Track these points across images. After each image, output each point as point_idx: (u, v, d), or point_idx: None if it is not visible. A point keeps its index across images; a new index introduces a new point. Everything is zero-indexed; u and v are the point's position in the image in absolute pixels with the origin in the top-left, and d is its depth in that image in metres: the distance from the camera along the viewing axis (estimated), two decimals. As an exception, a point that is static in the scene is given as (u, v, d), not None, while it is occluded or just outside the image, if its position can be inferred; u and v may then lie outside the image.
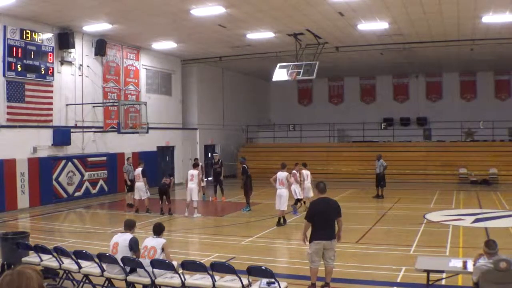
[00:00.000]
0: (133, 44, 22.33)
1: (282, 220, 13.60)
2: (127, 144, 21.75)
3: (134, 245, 7.30)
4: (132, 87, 22.66)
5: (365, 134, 29.88)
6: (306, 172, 16.12)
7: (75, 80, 19.49)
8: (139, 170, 16.25)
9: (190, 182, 15.48)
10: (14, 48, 16.62)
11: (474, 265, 6.22)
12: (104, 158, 20.76)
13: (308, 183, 15.91)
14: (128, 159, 18.48)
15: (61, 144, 18.67)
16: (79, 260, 7.61)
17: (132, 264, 7.14)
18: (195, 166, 16.40)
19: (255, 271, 6.67)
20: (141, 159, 18.41)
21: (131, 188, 17.19)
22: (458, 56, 25.25)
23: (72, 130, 19.05)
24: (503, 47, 21.77)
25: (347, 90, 34.84)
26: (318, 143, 29.28)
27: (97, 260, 7.45)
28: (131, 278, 7.17)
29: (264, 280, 6.56)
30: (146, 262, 6.97)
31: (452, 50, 23.24)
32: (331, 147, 29.04)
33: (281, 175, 14.02)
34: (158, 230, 7.46)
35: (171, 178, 16.81)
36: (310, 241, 7.61)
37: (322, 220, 7.61)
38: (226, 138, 30.38)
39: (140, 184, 16.06)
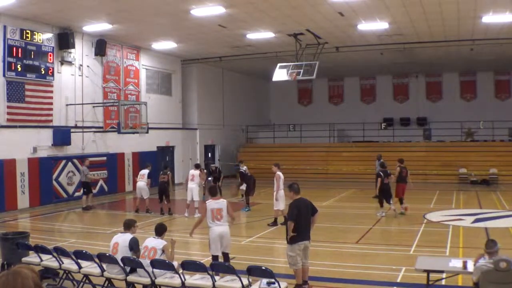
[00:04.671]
0: (133, 44, 22.33)
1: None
2: (127, 144, 21.76)
3: (134, 245, 7.30)
4: (132, 87, 22.67)
5: (365, 134, 29.88)
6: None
7: (75, 80, 19.49)
8: (145, 171, 16.25)
9: (191, 182, 15.48)
10: (14, 48, 16.63)
11: (474, 265, 6.22)
12: (104, 158, 20.76)
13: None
14: (85, 161, 17.69)
15: (61, 144, 18.67)
16: (79, 260, 7.61)
17: (132, 264, 7.14)
18: (196, 167, 16.37)
19: (255, 271, 6.67)
20: (148, 161, 18.03)
21: (86, 191, 17.11)
22: (458, 56, 25.26)
23: (72, 130, 19.05)
24: (503, 47, 21.78)
25: (347, 90, 34.85)
26: (318, 143, 29.28)
27: (97, 260, 7.45)
28: (131, 278, 7.18)
29: (264, 280, 6.56)
30: (146, 262, 6.97)
31: (452, 50, 23.25)
32: (331, 147, 29.04)
33: (282, 175, 13.84)
34: (159, 231, 7.45)
35: (168, 173, 16.18)
36: (292, 243, 7.59)
37: (303, 221, 7.66)
38: (226, 138, 30.38)
39: (142, 184, 16.05)
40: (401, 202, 15.21)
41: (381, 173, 14.92)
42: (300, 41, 20.38)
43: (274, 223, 13.55)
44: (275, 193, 13.55)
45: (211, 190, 8.75)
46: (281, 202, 13.48)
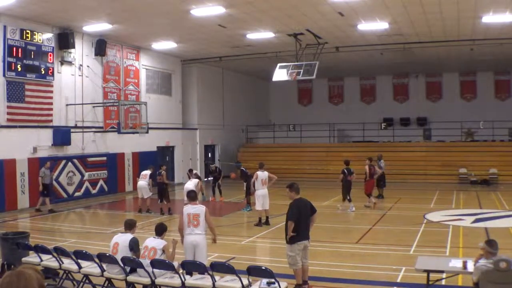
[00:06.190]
0: (133, 44, 22.33)
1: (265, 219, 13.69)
2: (127, 144, 21.76)
3: (134, 245, 7.30)
4: (132, 87, 22.67)
5: (365, 134, 29.89)
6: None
7: (75, 80, 19.49)
8: (147, 172, 16.26)
9: (189, 182, 15.54)
10: (14, 48, 16.63)
11: (474, 265, 6.22)
12: (104, 158, 20.76)
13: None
14: (46, 163, 16.90)
15: (61, 144, 18.67)
16: (79, 260, 7.61)
17: (132, 264, 7.14)
18: (197, 177, 16.59)
19: (255, 271, 6.67)
20: (150, 163, 18.01)
21: (47, 194, 16.43)
22: (458, 56, 25.26)
23: (72, 130, 19.05)
24: (503, 47, 21.77)
25: (347, 90, 34.85)
26: (318, 143, 29.27)
27: (97, 260, 7.45)
28: (131, 278, 7.17)
29: (264, 280, 6.56)
30: (146, 262, 6.97)
31: (452, 50, 23.24)
32: (331, 147, 29.03)
33: (264, 174, 13.96)
34: (159, 231, 7.45)
35: (163, 173, 15.93)
36: (292, 243, 7.59)
37: (303, 220, 7.67)
38: (226, 138, 30.38)
39: (143, 183, 16.06)
40: (369, 197, 16.71)
41: (345, 171, 16.03)
42: (300, 41, 20.37)
43: (266, 222, 13.59)
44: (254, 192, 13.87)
45: (190, 194, 8.12)
46: (257, 201, 13.67)
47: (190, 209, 7.74)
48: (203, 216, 7.67)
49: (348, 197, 15.94)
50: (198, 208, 7.76)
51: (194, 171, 18.02)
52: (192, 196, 8.05)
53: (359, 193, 17.55)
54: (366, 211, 16.31)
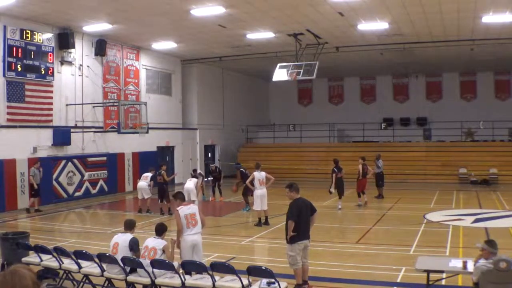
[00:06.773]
0: (133, 44, 22.33)
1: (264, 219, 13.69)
2: (127, 144, 21.76)
3: (134, 245, 7.30)
4: (132, 87, 22.67)
5: (365, 134, 29.88)
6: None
7: (75, 80, 19.49)
8: (149, 174, 16.25)
9: (188, 182, 15.55)
10: (14, 48, 16.63)
11: (474, 265, 6.22)
12: (104, 158, 20.77)
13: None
14: (36, 163, 16.75)
15: (61, 144, 18.68)
16: (79, 260, 7.62)
17: (132, 264, 7.14)
18: (196, 177, 16.59)
19: (255, 271, 6.67)
20: (152, 166, 18.02)
21: (35, 194, 16.40)
22: (458, 56, 25.26)
23: (72, 130, 19.05)
24: (503, 47, 21.78)
25: (347, 90, 34.85)
26: (318, 143, 29.26)
27: (97, 260, 7.45)
28: (131, 278, 7.17)
29: (264, 280, 6.56)
30: (146, 262, 6.97)
31: (452, 50, 23.24)
32: (331, 147, 29.02)
33: (260, 175, 13.96)
34: (159, 231, 7.45)
35: (162, 173, 15.86)
36: (292, 242, 7.59)
37: (303, 220, 7.67)
38: (226, 138, 30.38)
39: (143, 184, 16.05)
40: (361, 195, 17.23)
41: (336, 170, 16.72)
42: (300, 41, 20.37)
43: (266, 222, 13.58)
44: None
45: (179, 196, 8.14)
46: (255, 201, 13.69)
47: (186, 210, 7.77)
48: (198, 214, 7.79)
49: (333, 191, 16.63)
50: (192, 208, 7.87)
51: (198, 171, 18.02)
52: (181, 197, 8.14)
53: (353, 193, 17.61)
54: (365, 211, 16.34)
